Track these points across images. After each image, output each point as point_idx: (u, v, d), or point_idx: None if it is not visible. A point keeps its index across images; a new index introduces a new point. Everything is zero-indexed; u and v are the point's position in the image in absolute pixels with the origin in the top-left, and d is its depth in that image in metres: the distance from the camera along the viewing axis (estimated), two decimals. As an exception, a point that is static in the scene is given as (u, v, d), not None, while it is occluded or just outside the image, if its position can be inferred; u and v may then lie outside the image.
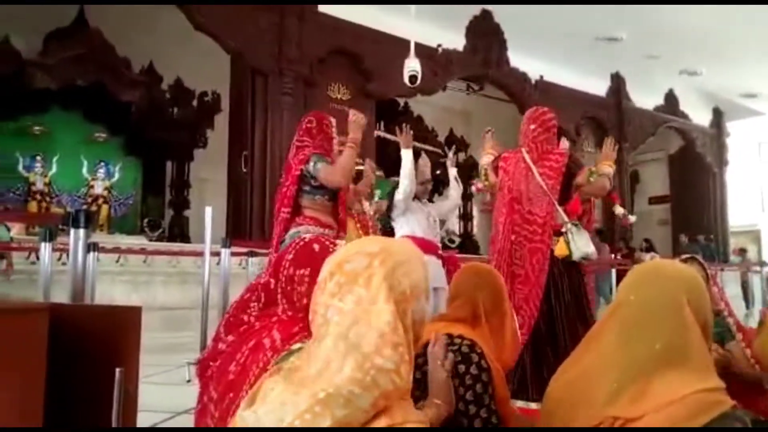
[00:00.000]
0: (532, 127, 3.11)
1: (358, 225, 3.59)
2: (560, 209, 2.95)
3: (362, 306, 0.87)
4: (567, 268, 2.94)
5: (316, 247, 1.46)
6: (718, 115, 12.50)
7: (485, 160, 3.39)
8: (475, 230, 11.17)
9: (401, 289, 0.89)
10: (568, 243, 2.92)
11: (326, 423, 0.81)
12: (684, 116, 11.75)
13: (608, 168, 3.13)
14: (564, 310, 2.81)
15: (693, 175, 12.26)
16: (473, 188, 3.75)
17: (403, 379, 0.84)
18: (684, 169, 12.39)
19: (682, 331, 1.06)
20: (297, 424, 0.81)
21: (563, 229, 2.94)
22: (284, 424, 0.82)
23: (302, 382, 0.85)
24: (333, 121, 3.09)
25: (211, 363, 1.45)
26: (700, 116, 12.18)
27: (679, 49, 9.49)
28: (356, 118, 2.92)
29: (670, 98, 11.54)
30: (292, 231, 2.68)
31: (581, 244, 2.91)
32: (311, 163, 2.74)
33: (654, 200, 12.83)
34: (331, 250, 1.44)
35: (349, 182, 3.00)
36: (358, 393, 0.82)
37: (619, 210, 3.63)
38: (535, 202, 2.98)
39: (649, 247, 9.99)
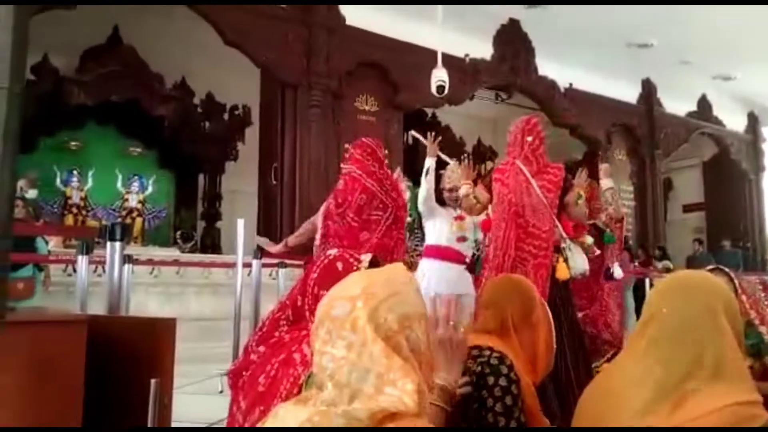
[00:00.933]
0: (529, 139, 3.02)
1: None
2: (559, 225, 2.86)
3: (354, 350, 0.89)
4: (563, 291, 2.85)
5: (340, 266, 1.47)
6: (753, 120, 12.21)
7: (465, 190, 3.30)
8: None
9: (387, 325, 0.90)
10: (566, 260, 2.83)
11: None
12: (718, 122, 11.51)
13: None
14: (564, 335, 2.67)
15: (728, 182, 11.97)
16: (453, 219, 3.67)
17: (407, 406, 0.85)
18: (719, 176, 12.11)
19: (719, 342, 1.04)
20: None
21: (563, 245, 2.85)
22: None
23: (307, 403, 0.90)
24: (397, 171, 3.41)
25: (243, 373, 1.47)
26: (734, 122, 11.91)
27: (711, 54, 9.31)
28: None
29: (703, 104, 11.31)
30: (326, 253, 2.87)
31: (579, 262, 2.83)
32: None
33: (688, 208, 12.56)
34: (355, 267, 1.45)
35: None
36: (358, 407, 0.85)
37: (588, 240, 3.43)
38: (538, 216, 2.87)
39: (663, 255, 9.75)
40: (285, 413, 0.91)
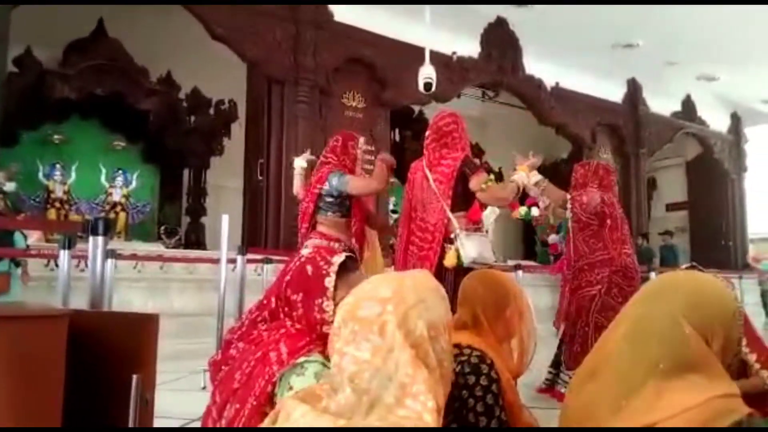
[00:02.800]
0: (428, 133, 3.08)
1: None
2: (452, 216, 2.87)
3: (380, 355, 0.85)
4: (457, 276, 2.83)
5: (309, 269, 1.46)
6: (736, 121, 12.36)
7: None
8: (490, 237, 11.12)
9: (418, 332, 0.87)
10: (457, 250, 2.85)
11: None
12: (702, 122, 11.64)
13: (518, 175, 3.09)
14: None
15: (711, 182, 12.12)
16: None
17: (427, 424, 0.82)
18: (702, 176, 12.25)
19: (681, 343, 1.05)
20: None
21: (452, 235, 2.87)
22: None
23: (326, 411, 0.86)
24: (361, 140, 3.31)
25: (222, 367, 1.47)
26: (718, 122, 12.04)
27: (696, 55, 9.41)
28: (384, 156, 3.19)
29: (688, 104, 11.43)
30: (305, 243, 3.00)
31: (469, 250, 2.82)
32: (333, 181, 3.02)
33: (671, 207, 12.70)
34: (324, 272, 1.45)
35: (383, 188, 3.29)
36: (377, 425, 0.83)
37: (522, 211, 3.41)
38: (429, 209, 2.93)
39: (646, 242, 9.87)
40: (302, 417, 0.87)
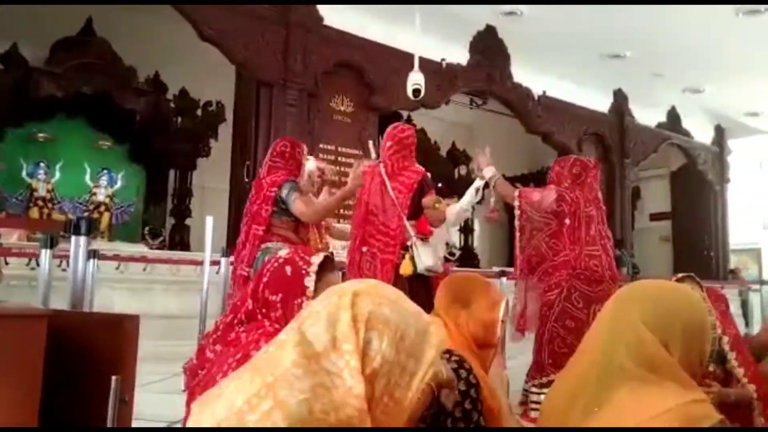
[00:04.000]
0: (388, 144, 3.21)
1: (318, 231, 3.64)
2: (408, 224, 3.03)
3: (328, 310, 0.91)
4: (412, 283, 2.99)
5: (288, 270, 1.46)
6: (720, 133, 12.52)
7: None
8: (476, 243, 11.17)
9: (364, 310, 0.90)
10: (412, 258, 3.00)
11: (268, 404, 0.85)
12: (686, 133, 11.78)
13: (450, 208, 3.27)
14: None
15: (694, 193, 12.25)
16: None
17: (346, 384, 0.86)
18: (685, 186, 12.39)
19: (642, 348, 1.08)
20: (245, 408, 0.86)
21: (408, 243, 3.01)
22: (235, 408, 0.87)
23: (258, 370, 0.90)
24: (305, 148, 3.44)
25: (199, 371, 1.46)
26: (702, 134, 12.19)
27: (682, 67, 9.52)
28: (358, 172, 3.13)
29: (673, 115, 11.57)
30: (264, 247, 3.07)
31: (424, 258, 2.97)
32: (285, 191, 3.09)
33: (655, 217, 12.82)
34: (304, 271, 1.45)
35: (318, 222, 3.35)
36: (299, 375, 0.86)
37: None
38: (389, 215, 3.07)
39: (620, 250, 9.93)
40: (237, 386, 0.92)
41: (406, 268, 3.01)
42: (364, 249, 3.08)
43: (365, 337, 0.89)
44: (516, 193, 3.45)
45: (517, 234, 3.45)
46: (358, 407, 0.85)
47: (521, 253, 3.48)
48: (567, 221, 3.36)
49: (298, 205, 3.05)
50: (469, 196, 3.61)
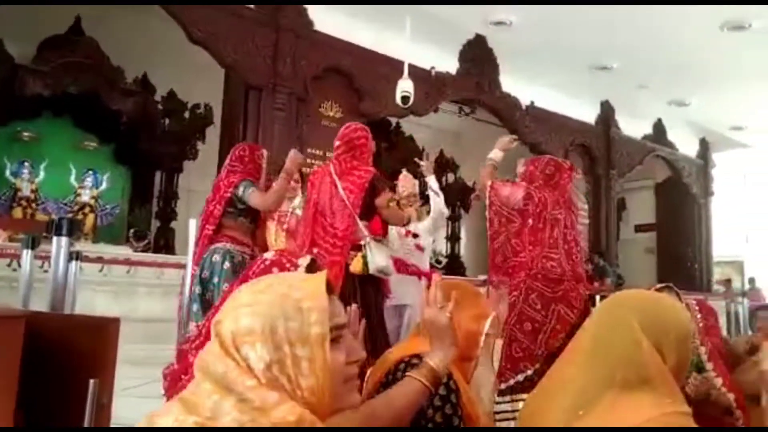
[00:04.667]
0: (337, 143, 3.20)
1: (279, 226, 3.71)
2: (361, 224, 2.99)
3: (204, 354, 0.91)
4: (362, 284, 2.99)
5: (276, 272, 1.45)
6: (704, 146, 12.67)
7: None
8: (462, 251, 11.20)
9: (227, 335, 0.87)
10: (365, 257, 2.97)
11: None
12: (671, 146, 11.91)
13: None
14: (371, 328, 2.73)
15: (679, 205, 12.38)
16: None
17: (263, 401, 0.84)
18: (670, 199, 12.52)
19: (635, 355, 1.08)
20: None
21: (362, 243, 2.98)
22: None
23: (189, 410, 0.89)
24: (265, 152, 3.52)
25: (182, 377, 1.44)
26: (687, 147, 12.34)
27: (668, 80, 9.64)
28: (295, 156, 3.28)
29: (659, 128, 11.69)
30: (212, 247, 3.14)
31: (378, 259, 2.93)
32: (241, 188, 3.16)
33: (640, 228, 12.93)
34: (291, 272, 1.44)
35: (278, 207, 3.42)
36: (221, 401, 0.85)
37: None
38: (338, 215, 3.02)
39: (601, 261, 10.02)
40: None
41: (356, 265, 2.96)
42: (315, 251, 2.99)
43: (241, 355, 0.86)
44: (488, 184, 3.44)
45: (487, 225, 3.43)
46: (293, 411, 0.84)
47: (490, 246, 3.45)
48: (530, 221, 3.30)
49: (254, 197, 3.14)
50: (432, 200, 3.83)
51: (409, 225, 3.82)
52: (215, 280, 3.10)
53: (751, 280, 12.26)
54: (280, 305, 0.87)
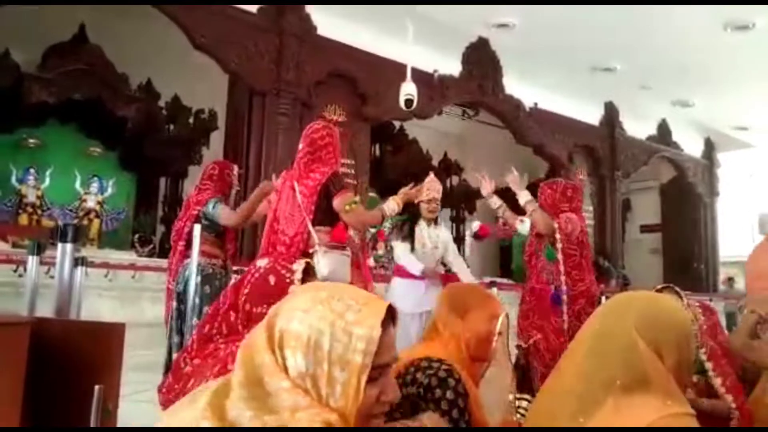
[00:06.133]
0: (300, 146, 3.00)
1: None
2: (313, 230, 2.80)
3: (251, 340, 0.91)
4: None
5: (272, 280, 1.44)
6: (709, 147, 12.64)
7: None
8: (467, 253, 11.19)
9: (276, 331, 0.88)
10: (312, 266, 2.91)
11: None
12: (676, 146, 11.88)
13: (391, 203, 3.06)
14: None
15: (684, 205, 12.34)
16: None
17: (290, 402, 0.85)
18: (675, 199, 12.47)
19: (636, 359, 1.07)
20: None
21: (311, 250, 2.81)
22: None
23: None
24: (235, 169, 3.69)
25: (176, 386, 1.43)
26: (692, 147, 12.31)
27: (672, 81, 9.62)
28: (265, 186, 3.37)
29: (663, 128, 11.66)
30: (185, 262, 3.36)
31: (322, 266, 2.72)
32: (210, 206, 3.38)
33: (645, 229, 12.89)
34: (288, 280, 1.43)
35: (244, 224, 3.59)
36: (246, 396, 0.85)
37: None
38: (290, 221, 2.86)
39: (606, 263, 9.99)
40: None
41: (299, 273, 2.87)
42: (268, 259, 2.93)
43: (281, 356, 0.86)
44: (555, 225, 3.44)
45: (561, 260, 3.43)
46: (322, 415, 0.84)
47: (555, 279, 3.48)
48: (585, 251, 3.49)
49: (222, 213, 3.36)
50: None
51: (385, 223, 3.57)
52: (189, 293, 3.31)
53: (731, 280, 12.20)
54: (331, 323, 0.86)
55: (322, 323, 0.86)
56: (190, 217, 3.43)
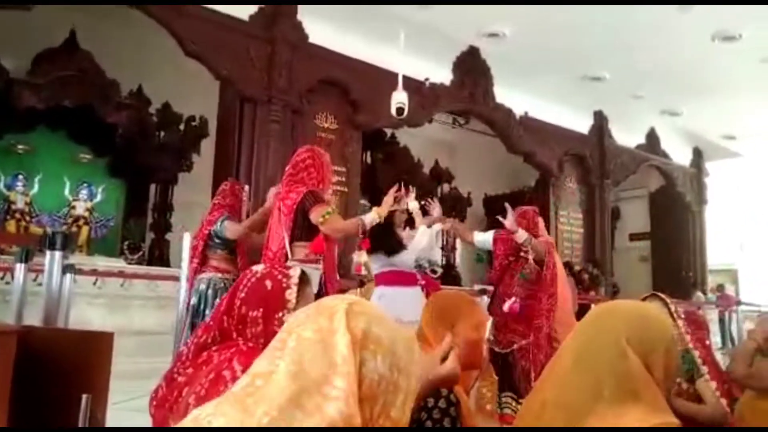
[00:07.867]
0: (287, 169, 3.19)
1: None
2: (288, 246, 2.97)
3: (321, 335, 0.86)
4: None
5: (269, 284, 1.43)
6: (698, 155, 12.75)
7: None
8: (458, 261, 11.20)
9: (358, 328, 0.87)
10: None
11: None
12: (665, 155, 11.98)
13: (373, 213, 3.16)
14: None
15: (673, 214, 12.43)
16: None
17: (350, 408, 0.81)
18: (664, 207, 12.56)
19: (621, 367, 1.08)
20: None
21: (287, 264, 2.93)
22: None
23: (246, 408, 0.84)
24: (246, 188, 3.97)
25: (169, 398, 1.42)
26: (680, 156, 12.41)
27: (661, 90, 9.72)
28: (270, 194, 3.49)
29: (652, 137, 11.76)
30: (198, 278, 3.59)
31: None
32: (218, 224, 3.61)
33: (634, 237, 12.97)
34: (284, 285, 1.42)
35: (250, 236, 3.70)
36: (300, 419, 0.80)
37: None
38: (274, 238, 3.06)
39: (595, 272, 10.03)
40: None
41: None
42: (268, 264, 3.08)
43: (360, 357, 0.85)
44: (547, 250, 3.79)
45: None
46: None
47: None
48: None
49: (228, 228, 3.59)
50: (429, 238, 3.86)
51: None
52: (201, 306, 3.55)
53: (720, 287, 12.30)
54: (401, 334, 0.90)
55: (395, 332, 0.89)
56: (203, 236, 3.66)
